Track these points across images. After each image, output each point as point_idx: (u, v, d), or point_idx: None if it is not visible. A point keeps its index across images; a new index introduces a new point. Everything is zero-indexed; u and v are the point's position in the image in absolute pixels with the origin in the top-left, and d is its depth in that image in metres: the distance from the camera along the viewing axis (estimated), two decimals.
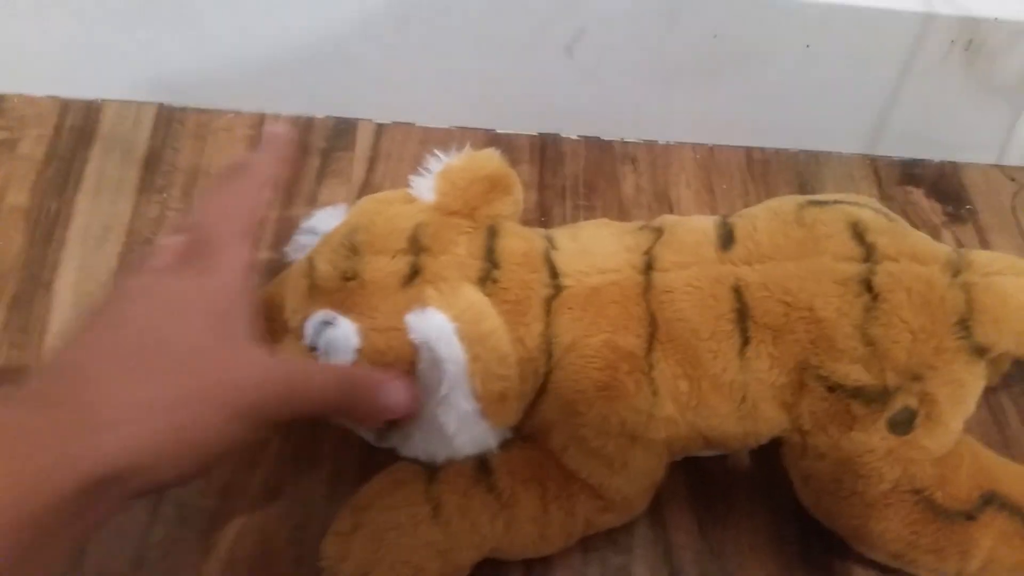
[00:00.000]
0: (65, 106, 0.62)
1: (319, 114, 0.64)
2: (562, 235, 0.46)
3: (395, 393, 0.40)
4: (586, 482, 0.44)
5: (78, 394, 0.31)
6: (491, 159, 0.45)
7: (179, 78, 0.62)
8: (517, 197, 0.46)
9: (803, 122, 0.63)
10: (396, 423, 0.42)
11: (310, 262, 0.43)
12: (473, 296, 0.41)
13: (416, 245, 0.42)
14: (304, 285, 0.43)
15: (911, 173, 0.65)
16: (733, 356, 0.42)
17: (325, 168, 0.61)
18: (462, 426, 0.41)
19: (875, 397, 0.42)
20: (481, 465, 0.44)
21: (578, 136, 0.65)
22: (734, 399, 0.43)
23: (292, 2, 0.57)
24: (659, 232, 0.45)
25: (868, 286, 0.42)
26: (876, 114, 0.63)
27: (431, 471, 0.44)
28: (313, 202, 0.59)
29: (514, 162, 0.45)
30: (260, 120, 0.63)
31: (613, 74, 0.60)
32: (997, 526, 0.44)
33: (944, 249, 0.45)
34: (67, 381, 0.31)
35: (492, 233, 0.44)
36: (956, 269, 0.44)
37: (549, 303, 0.43)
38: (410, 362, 0.40)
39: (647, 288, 0.43)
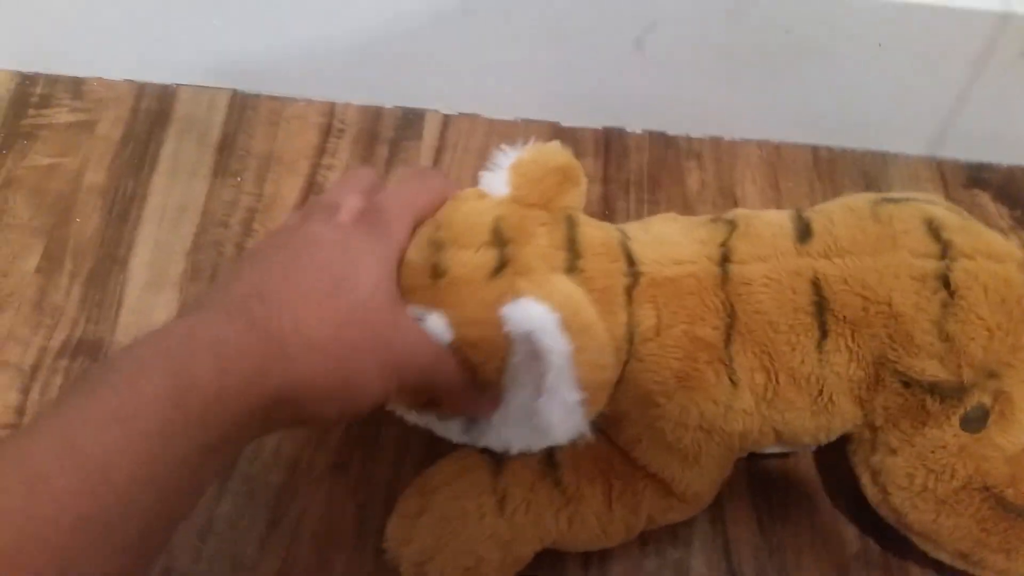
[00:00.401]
0: (141, 90, 0.64)
1: (388, 104, 0.64)
2: (633, 227, 0.46)
3: (490, 398, 0.42)
4: (654, 478, 0.44)
5: (273, 320, 0.34)
6: (559, 151, 0.45)
7: (252, 65, 0.63)
8: (584, 188, 0.46)
9: (871, 122, 0.63)
10: (478, 418, 0.43)
11: None
12: (568, 286, 0.40)
13: (499, 237, 0.42)
14: None
15: (978, 176, 0.64)
16: (812, 349, 0.42)
17: (393, 157, 0.62)
18: (565, 417, 0.40)
19: (950, 393, 0.42)
20: (547, 459, 0.45)
21: (643, 130, 0.65)
22: (811, 393, 0.43)
23: None
24: (732, 225, 0.45)
25: (945, 283, 0.42)
26: (945, 115, 0.62)
27: (497, 461, 0.45)
28: None
29: (578, 155, 0.45)
30: (330, 108, 0.64)
31: (681, 68, 0.60)
32: None
33: (1017, 248, 0.45)
34: (263, 306, 0.34)
35: (571, 223, 0.44)
36: None
37: (630, 292, 0.43)
38: (502, 356, 0.40)
39: (724, 280, 0.43)
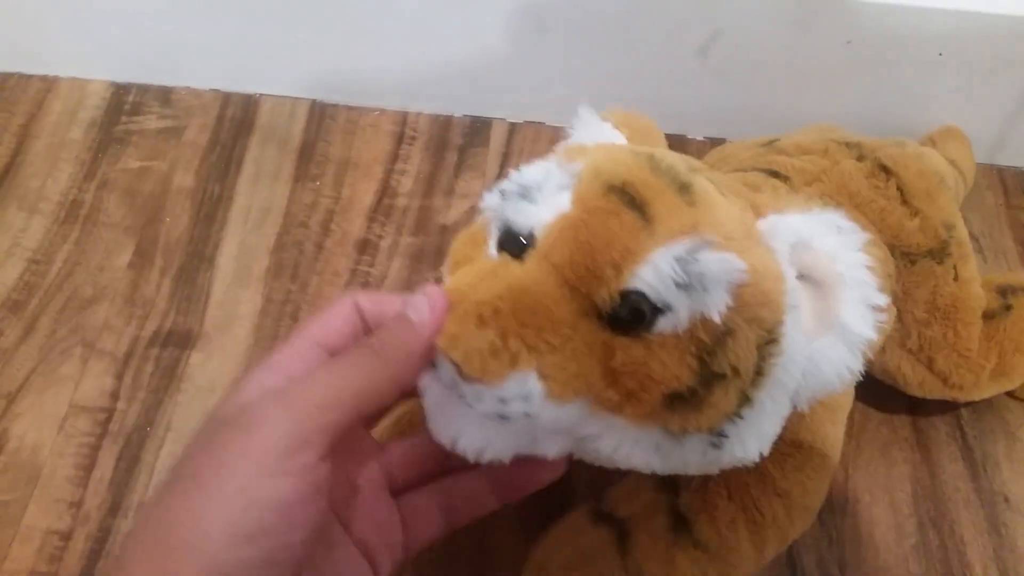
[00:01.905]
0: (226, 99, 0.67)
1: (457, 113, 0.67)
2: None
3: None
4: (781, 496, 0.40)
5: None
6: (636, 113, 0.49)
7: (331, 77, 0.66)
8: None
9: (932, 129, 0.64)
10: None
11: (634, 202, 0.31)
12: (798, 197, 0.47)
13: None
14: (630, 220, 0.30)
15: None
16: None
17: (462, 163, 0.65)
18: (850, 355, 0.32)
19: (939, 254, 0.48)
20: (674, 519, 0.40)
21: (704, 138, 0.66)
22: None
23: (437, 9, 0.60)
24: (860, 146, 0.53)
25: (884, 168, 0.49)
26: (1005, 122, 0.63)
27: (619, 533, 0.39)
28: (451, 193, 0.63)
29: None
30: (403, 117, 0.67)
31: (744, 76, 0.62)
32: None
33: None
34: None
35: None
36: None
37: None
38: (779, 290, 0.31)
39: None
